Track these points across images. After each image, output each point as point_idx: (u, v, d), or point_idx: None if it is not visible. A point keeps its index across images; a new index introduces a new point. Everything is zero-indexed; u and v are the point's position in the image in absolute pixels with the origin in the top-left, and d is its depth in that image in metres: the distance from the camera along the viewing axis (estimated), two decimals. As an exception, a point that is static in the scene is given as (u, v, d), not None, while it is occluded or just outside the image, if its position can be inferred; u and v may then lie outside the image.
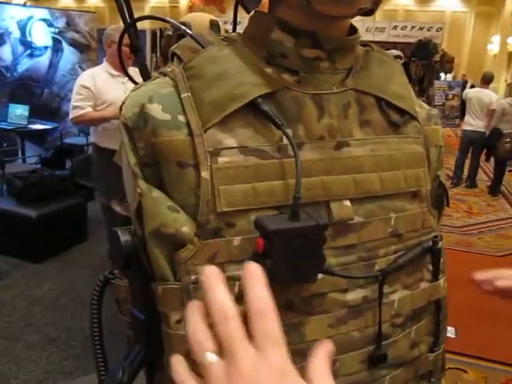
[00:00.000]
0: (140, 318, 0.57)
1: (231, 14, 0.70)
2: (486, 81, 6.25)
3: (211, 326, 0.36)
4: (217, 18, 1.97)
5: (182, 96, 0.53)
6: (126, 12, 0.74)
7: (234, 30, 0.70)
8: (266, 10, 0.60)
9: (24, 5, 6.60)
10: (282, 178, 0.52)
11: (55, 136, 5.99)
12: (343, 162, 0.56)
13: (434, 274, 0.63)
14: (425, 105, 0.67)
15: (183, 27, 0.63)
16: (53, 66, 6.27)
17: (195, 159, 0.52)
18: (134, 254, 0.55)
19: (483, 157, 6.46)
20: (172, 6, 16.92)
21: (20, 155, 5.60)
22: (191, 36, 0.58)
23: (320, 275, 0.52)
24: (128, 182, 0.57)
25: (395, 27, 12.56)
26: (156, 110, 0.53)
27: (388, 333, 0.59)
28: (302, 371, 0.54)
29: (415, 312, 0.62)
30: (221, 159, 0.51)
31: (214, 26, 1.87)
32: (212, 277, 0.37)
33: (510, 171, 6.26)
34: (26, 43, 6.01)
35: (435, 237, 0.62)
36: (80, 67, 6.27)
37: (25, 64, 6.02)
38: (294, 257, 0.49)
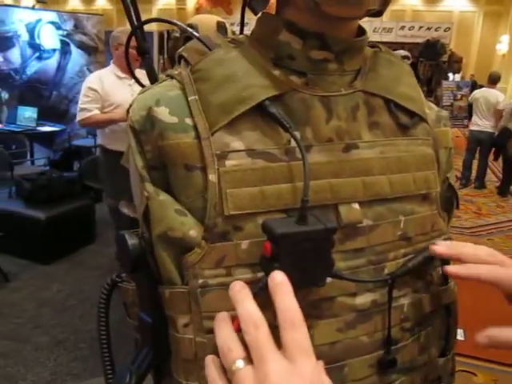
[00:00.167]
0: (147, 322, 0.57)
1: (238, 16, 0.70)
2: (493, 81, 6.24)
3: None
4: (224, 19, 1.97)
5: (189, 99, 0.53)
6: (133, 14, 0.74)
7: (242, 31, 0.70)
8: (274, 12, 0.59)
9: (33, 8, 6.63)
10: (290, 181, 0.52)
11: (63, 138, 6.03)
12: (352, 164, 0.55)
13: (443, 277, 0.63)
14: (434, 106, 0.67)
15: (190, 29, 0.62)
16: (61, 68, 6.32)
17: (202, 162, 0.51)
18: (141, 257, 0.55)
19: (491, 156, 6.42)
20: (179, 8, 16.97)
21: (29, 157, 5.65)
22: (198, 38, 0.58)
23: (329, 279, 0.52)
24: (135, 185, 0.57)
25: (403, 27, 12.52)
26: (163, 113, 0.53)
27: (397, 337, 0.59)
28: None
29: (425, 316, 0.61)
30: (228, 162, 0.51)
31: (221, 27, 1.87)
32: (242, 290, 0.40)
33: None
34: (34, 46, 6.06)
35: (445, 240, 0.61)
36: (88, 69, 6.31)
37: (33, 67, 6.08)
38: (303, 260, 0.48)
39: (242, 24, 0.71)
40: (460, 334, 2.60)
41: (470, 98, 6.78)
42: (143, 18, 0.74)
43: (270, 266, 0.48)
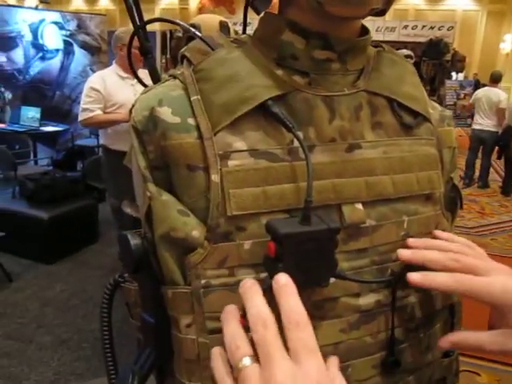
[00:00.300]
0: (150, 322, 0.57)
1: (241, 15, 0.69)
2: (495, 79, 6.28)
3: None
4: (226, 19, 1.97)
5: (191, 99, 0.53)
6: (136, 14, 0.74)
7: (244, 31, 0.69)
8: (276, 12, 0.59)
9: (36, 8, 6.65)
10: (293, 181, 0.52)
11: (67, 138, 6.04)
12: (355, 164, 0.55)
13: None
14: (438, 106, 0.66)
15: (193, 29, 0.62)
16: (64, 68, 6.33)
17: (205, 162, 0.51)
18: (143, 257, 0.55)
19: (495, 155, 6.41)
20: (182, 8, 16.98)
21: (32, 157, 5.66)
22: (201, 38, 0.57)
23: (332, 279, 0.51)
24: (138, 185, 0.57)
25: (406, 27, 12.49)
26: (166, 113, 0.53)
27: (401, 338, 0.58)
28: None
29: (429, 317, 0.61)
30: (231, 162, 0.51)
31: (224, 27, 1.86)
32: (252, 287, 0.39)
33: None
34: (37, 46, 6.08)
35: None
36: (91, 69, 6.33)
37: (37, 67, 6.09)
38: (306, 261, 0.48)
39: (245, 24, 0.71)
40: (463, 334, 2.59)
41: (471, 98, 6.79)
42: (146, 17, 0.74)
43: (274, 267, 0.48)
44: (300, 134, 0.52)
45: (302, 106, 0.54)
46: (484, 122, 6.10)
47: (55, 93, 6.25)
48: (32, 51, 6.03)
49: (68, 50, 6.36)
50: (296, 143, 0.52)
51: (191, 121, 0.52)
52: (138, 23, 0.75)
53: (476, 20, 15.43)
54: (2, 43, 5.73)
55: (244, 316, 0.48)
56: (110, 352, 0.64)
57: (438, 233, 0.59)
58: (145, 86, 0.66)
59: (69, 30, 6.36)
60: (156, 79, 0.80)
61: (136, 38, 0.72)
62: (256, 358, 0.36)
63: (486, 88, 6.50)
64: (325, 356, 0.54)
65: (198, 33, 0.60)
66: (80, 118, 2.92)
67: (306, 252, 0.48)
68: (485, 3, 15.25)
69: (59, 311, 2.94)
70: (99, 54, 6.69)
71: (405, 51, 5.19)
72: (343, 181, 0.54)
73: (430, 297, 0.61)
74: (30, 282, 3.30)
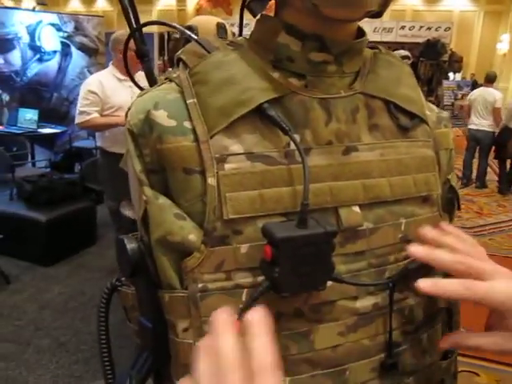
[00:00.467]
0: (147, 326, 0.57)
1: (238, 16, 0.69)
2: (489, 80, 6.35)
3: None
4: (224, 20, 1.97)
5: (187, 102, 0.53)
6: (132, 17, 0.74)
7: (241, 34, 0.69)
8: (273, 14, 0.59)
9: (33, 10, 6.65)
10: (290, 185, 0.52)
11: (64, 140, 6.03)
12: (352, 167, 0.55)
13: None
14: (434, 107, 0.66)
15: (188, 32, 0.62)
16: (62, 70, 6.32)
17: (201, 166, 0.51)
18: (140, 261, 0.55)
19: (492, 155, 6.43)
20: (179, 9, 16.96)
21: (30, 159, 5.65)
22: (197, 41, 0.57)
23: (329, 283, 0.51)
24: (134, 189, 0.57)
25: (403, 27, 12.52)
26: (162, 117, 0.53)
27: (399, 340, 0.58)
28: (312, 380, 0.54)
29: (426, 319, 0.61)
30: (227, 166, 0.51)
31: (221, 29, 1.86)
32: (224, 323, 0.38)
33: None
34: (35, 48, 6.07)
35: None
36: (89, 71, 6.32)
37: (34, 68, 6.08)
38: (303, 264, 0.48)
39: (241, 27, 0.71)
40: (462, 335, 2.59)
41: (467, 99, 6.83)
42: (144, 19, 0.74)
43: (271, 270, 0.48)
44: (296, 137, 0.52)
45: (299, 108, 0.54)
46: (479, 122, 6.14)
47: (53, 95, 6.24)
48: (29, 53, 6.02)
49: (65, 52, 6.35)
50: (292, 146, 0.52)
51: (187, 124, 0.52)
52: (135, 26, 0.75)
53: (473, 20, 15.46)
54: (-1, 45, 5.72)
55: (238, 319, 0.48)
56: (107, 357, 0.64)
57: (446, 227, 0.58)
58: (141, 89, 0.65)
59: (66, 32, 6.36)
60: (153, 82, 0.80)
61: (132, 40, 0.72)
62: None
63: (481, 88, 6.55)
64: (323, 360, 0.54)
65: (193, 35, 0.60)
66: (77, 121, 2.91)
67: (302, 256, 0.47)
68: (482, 4, 15.29)
69: (57, 313, 2.94)
70: (97, 56, 6.68)
71: (402, 52, 5.19)
72: (340, 184, 0.54)
73: (428, 299, 0.60)
74: (27, 285, 3.29)
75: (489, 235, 4.72)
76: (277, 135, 0.53)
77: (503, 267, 0.53)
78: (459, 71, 11.75)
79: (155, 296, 0.55)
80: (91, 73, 5.69)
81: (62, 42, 6.32)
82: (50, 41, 6.20)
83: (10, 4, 14.00)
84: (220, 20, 1.93)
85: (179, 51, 0.58)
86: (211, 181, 0.50)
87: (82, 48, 6.52)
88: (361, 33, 0.59)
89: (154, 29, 8.89)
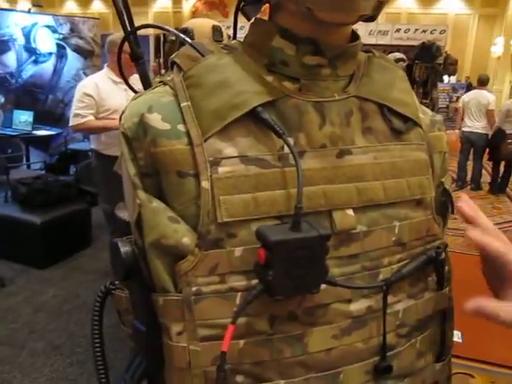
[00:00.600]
0: (141, 330, 0.57)
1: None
2: (482, 82, 6.44)
3: None
4: (220, 22, 1.97)
5: (181, 105, 0.53)
6: (127, 20, 0.73)
7: (235, 37, 0.69)
8: (267, 18, 0.59)
9: (28, 11, 6.62)
10: (284, 188, 0.52)
11: (59, 142, 6.01)
12: (345, 170, 0.55)
13: (438, 283, 0.62)
14: (428, 111, 0.67)
15: (182, 35, 0.62)
16: (57, 72, 6.30)
17: (195, 169, 0.51)
18: (134, 264, 0.54)
19: (486, 157, 6.47)
20: (175, 12, 16.95)
21: (24, 161, 5.63)
22: (191, 44, 0.57)
23: (323, 286, 0.51)
24: (128, 192, 0.56)
25: (398, 30, 12.54)
26: (156, 120, 0.53)
27: (393, 343, 0.58)
28: (305, 383, 0.54)
29: (420, 322, 0.61)
30: (221, 169, 0.51)
31: (217, 31, 1.86)
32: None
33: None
34: (30, 50, 6.05)
35: (438, 248, 0.61)
36: (84, 73, 6.30)
37: (29, 70, 6.06)
38: (296, 267, 0.48)
39: (235, 30, 0.71)
40: (457, 336, 2.60)
41: (460, 101, 6.88)
42: (139, 21, 0.74)
43: (264, 274, 0.48)
44: (290, 140, 0.52)
45: (293, 111, 0.54)
46: (473, 125, 6.20)
47: (48, 96, 6.22)
48: (25, 55, 6.00)
49: (61, 54, 6.33)
50: (286, 149, 0.52)
51: (181, 127, 0.52)
52: (129, 29, 0.75)
53: (468, 23, 15.54)
54: (-6, 47, 5.70)
55: (233, 323, 0.48)
56: (101, 361, 0.64)
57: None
58: (136, 92, 0.65)
59: (62, 34, 6.34)
60: (147, 85, 0.80)
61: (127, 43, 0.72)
62: None
63: (474, 91, 6.60)
64: (317, 363, 0.54)
65: (187, 39, 0.60)
66: (71, 123, 2.88)
67: (296, 259, 0.48)
68: (476, 7, 15.37)
69: (52, 316, 2.92)
70: (92, 58, 6.66)
71: (397, 54, 5.20)
72: (334, 187, 0.54)
73: (422, 302, 0.61)
74: (22, 287, 3.27)
75: (484, 237, 4.72)
76: (271, 138, 0.53)
77: None
78: (454, 74, 11.77)
79: (149, 299, 0.55)
80: (87, 75, 5.68)
81: (57, 44, 6.30)
82: (46, 43, 6.18)
83: (5, 6, 13.96)
84: (216, 23, 1.93)
85: (173, 54, 0.58)
86: (205, 184, 0.50)
87: (78, 50, 6.50)
88: (355, 36, 0.59)
89: (150, 31, 8.88)
